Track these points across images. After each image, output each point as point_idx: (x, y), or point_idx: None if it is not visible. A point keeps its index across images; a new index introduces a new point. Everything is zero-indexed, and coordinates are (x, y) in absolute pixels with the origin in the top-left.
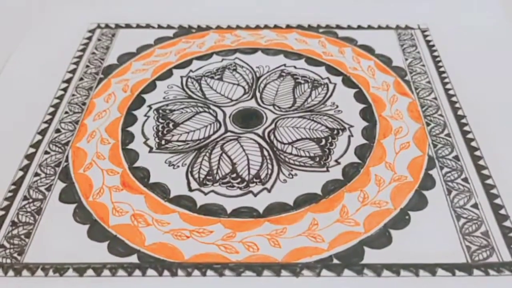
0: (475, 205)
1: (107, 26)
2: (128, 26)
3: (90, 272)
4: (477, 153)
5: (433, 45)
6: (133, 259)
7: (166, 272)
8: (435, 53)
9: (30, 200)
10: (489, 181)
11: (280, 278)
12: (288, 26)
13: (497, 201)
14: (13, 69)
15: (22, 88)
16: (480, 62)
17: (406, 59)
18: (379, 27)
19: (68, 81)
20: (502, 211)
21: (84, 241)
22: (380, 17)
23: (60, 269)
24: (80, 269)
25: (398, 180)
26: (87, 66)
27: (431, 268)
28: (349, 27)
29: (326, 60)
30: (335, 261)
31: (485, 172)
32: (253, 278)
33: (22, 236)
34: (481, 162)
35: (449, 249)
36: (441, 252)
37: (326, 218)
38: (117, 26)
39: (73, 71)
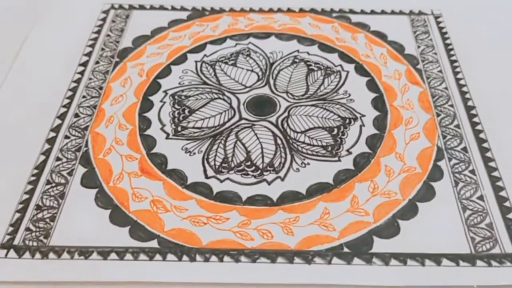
0: (481, 197)
1: (120, 6)
2: (141, 7)
3: (113, 255)
4: (485, 145)
5: (446, 32)
6: (154, 244)
7: (185, 257)
8: (448, 41)
9: (53, 184)
10: (495, 173)
11: (293, 265)
12: (301, 10)
13: (502, 193)
14: (29, 53)
15: (39, 71)
16: (493, 51)
17: (419, 47)
18: (392, 12)
19: (85, 64)
20: (507, 204)
21: (107, 226)
22: (394, 1)
23: (85, 252)
24: (104, 253)
25: (407, 171)
26: (103, 49)
27: (437, 258)
28: (362, 12)
29: (339, 47)
30: (346, 249)
31: (492, 164)
32: (268, 265)
33: (47, 220)
34: (488, 154)
35: (454, 239)
36: (447, 242)
37: (337, 208)
38: (131, 7)
39: (89, 54)
